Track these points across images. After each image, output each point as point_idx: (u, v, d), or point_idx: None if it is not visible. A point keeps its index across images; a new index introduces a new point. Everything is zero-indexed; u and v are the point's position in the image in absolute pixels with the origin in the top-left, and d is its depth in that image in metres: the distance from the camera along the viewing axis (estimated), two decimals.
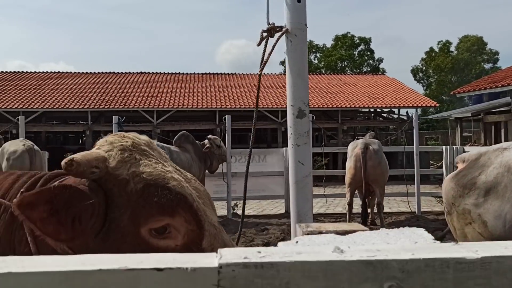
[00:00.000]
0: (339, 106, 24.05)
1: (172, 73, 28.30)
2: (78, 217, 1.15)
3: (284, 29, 2.45)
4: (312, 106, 23.44)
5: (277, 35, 2.53)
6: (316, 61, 56.23)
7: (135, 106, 22.42)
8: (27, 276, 0.62)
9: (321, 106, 24.08)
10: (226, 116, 10.50)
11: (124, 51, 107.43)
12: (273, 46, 2.56)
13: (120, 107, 22.30)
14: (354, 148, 8.46)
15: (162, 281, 0.63)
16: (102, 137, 1.41)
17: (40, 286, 0.62)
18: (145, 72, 28.29)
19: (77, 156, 1.17)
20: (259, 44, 2.48)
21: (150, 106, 22.64)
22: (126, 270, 0.63)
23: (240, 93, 25.11)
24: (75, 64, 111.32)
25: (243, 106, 23.54)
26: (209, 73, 28.99)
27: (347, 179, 8.43)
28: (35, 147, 9.04)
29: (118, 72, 28.11)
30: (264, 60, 2.56)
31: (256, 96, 3.20)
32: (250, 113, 23.06)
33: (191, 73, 28.64)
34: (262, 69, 2.64)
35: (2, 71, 27.28)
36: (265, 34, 2.60)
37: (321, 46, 56.43)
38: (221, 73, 29.32)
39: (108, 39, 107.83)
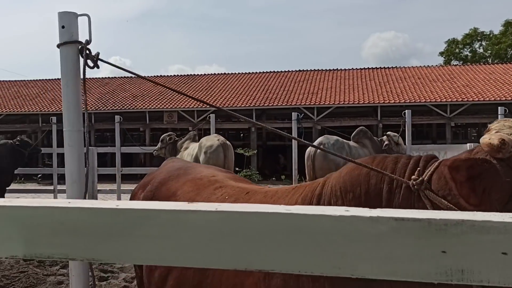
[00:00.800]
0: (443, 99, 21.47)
1: (329, 70, 28.40)
2: (488, 189, 1.31)
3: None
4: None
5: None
6: (481, 50, 50.94)
7: (297, 104, 23.01)
8: None
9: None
10: (406, 111, 10.09)
11: (272, 51, 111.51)
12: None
13: (283, 104, 23.12)
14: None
15: None
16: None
17: None
18: (303, 70, 28.89)
19: (505, 136, 1.33)
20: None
21: (311, 103, 23.05)
22: None
23: (404, 87, 24.02)
24: (226, 66, 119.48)
25: (407, 101, 22.45)
26: (367, 68, 28.38)
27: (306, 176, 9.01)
28: (227, 142, 9.84)
29: (278, 71, 29.23)
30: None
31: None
32: (419, 108, 21.98)
33: (348, 69, 28.37)
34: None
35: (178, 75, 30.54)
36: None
37: (488, 33, 50.82)
38: (378, 67, 28.45)
39: (257, 40, 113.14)
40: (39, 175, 19.47)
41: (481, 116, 21.58)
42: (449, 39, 51.64)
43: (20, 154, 11.71)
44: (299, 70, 28.96)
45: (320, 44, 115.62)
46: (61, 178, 15.37)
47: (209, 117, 11.31)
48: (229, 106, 23.83)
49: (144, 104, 24.87)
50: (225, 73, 30.13)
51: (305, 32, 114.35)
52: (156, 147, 10.92)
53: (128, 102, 25.52)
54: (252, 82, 27.38)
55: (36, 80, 31.95)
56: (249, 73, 29.58)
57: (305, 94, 24.18)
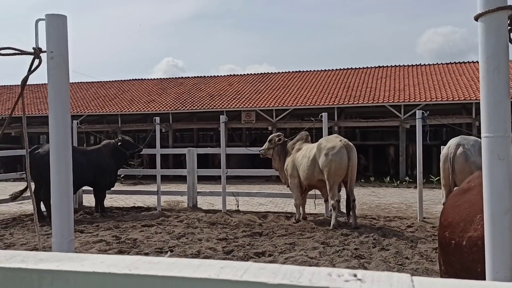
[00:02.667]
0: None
1: (413, 65, 26.88)
2: None
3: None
4: None
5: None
6: None
7: (384, 101, 21.79)
8: None
9: None
10: None
11: (322, 49, 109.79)
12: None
13: (369, 102, 22.00)
14: (446, 146, 8.25)
15: None
16: None
17: None
18: (387, 66, 27.53)
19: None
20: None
21: (396, 100, 21.76)
22: None
23: None
24: (276, 65, 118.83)
25: None
26: (461, 62, 26.64)
27: (441, 179, 8.40)
28: (350, 143, 9.02)
29: (357, 68, 28.07)
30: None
31: None
32: None
33: (433, 64, 26.72)
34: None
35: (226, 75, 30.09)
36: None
37: None
38: (468, 61, 26.58)
39: (306, 38, 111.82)
40: (122, 176, 19.15)
41: None
42: None
43: (122, 154, 11.51)
44: (380, 66, 27.64)
45: (373, 40, 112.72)
46: (164, 179, 15.01)
47: (321, 115, 10.51)
48: (311, 104, 23.03)
49: (221, 104, 24.57)
50: (299, 71, 29.31)
51: (356, 29, 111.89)
52: (263, 147, 10.33)
53: (205, 101, 25.34)
54: (330, 80, 26.41)
55: (113, 81, 32.67)
56: (327, 70, 28.65)
57: (392, 90, 22.89)
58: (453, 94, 21.58)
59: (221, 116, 11.42)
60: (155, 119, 11.79)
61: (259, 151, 10.51)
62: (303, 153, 9.50)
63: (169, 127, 25.13)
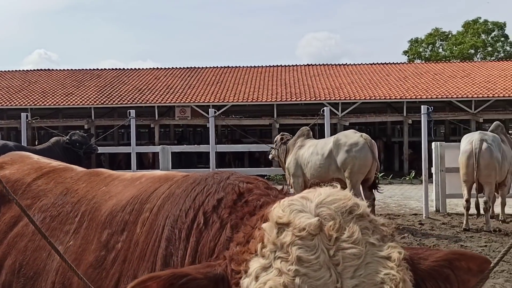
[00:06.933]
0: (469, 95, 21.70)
1: (343, 64, 27.66)
2: None
3: None
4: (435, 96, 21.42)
5: None
6: (441, 50, 52.00)
7: (324, 99, 21.97)
8: None
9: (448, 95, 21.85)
10: None
11: (206, 47, 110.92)
12: None
13: (311, 99, 22.01)
14: (468, 142, 8.27)
15: None
16: None
17: None
18: (316, 64, 27.88)
19: None
20: None
21: (333, 98, 22.12)
22: None
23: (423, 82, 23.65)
24: (162, 62, 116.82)
25: (429, 97, 22.10)
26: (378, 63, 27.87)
27: (461, 175, 8.31)
28: (371, 138, 8.56)
29: (285, 65, 28.03)
30: None
31: None
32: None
33: (358, 64, 27.75)
34: None
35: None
36: None
37: (447, 33, 51.88)
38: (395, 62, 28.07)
39: (192, 36, 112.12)
40: None
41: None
42: (412, 39, 52.63)
43: (74, 153, 9.89)
44: (297, 65, 27.97)
45: (256, 41, 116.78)
46: None
47: (323, 110, 9.93)
48: (248, 100, 22.38)
49: (151, 98, 22.80)
50: (231, 67, 28.40)
51: (240, 29, 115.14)
52: (272, 150, 9.71)
53: (133, 95, 23.30)
54: (259, 75, 25.98)
55: (15, 71, 28.61)
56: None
57: (328, 88, 23.22)
58: (384, 93, 22.53)
59: (210, 109, 10.27)
60: (129, 112, 10.23)
61: (269, 156, 9.94)
62: (312, 150, 8.82)
63: (91, 123, 22.65)
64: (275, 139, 9.68)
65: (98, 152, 11.14)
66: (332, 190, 1.14)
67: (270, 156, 9.77)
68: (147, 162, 22.75)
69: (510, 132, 10.05)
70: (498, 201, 8.89)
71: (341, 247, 1.01)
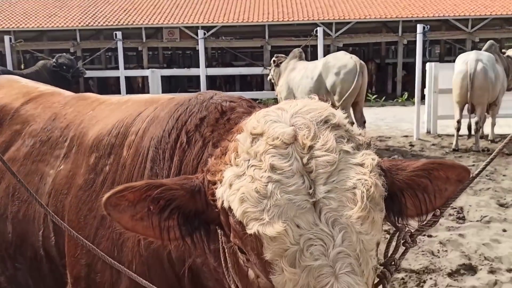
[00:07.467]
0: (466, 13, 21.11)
1: None
2: None
3: None
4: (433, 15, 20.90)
5: None
6: None
7: (317, 19, 21.29)
8: None
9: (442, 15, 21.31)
10: None
11: None
12: None
13: (304, 19, 21.33)
14: (463, 62, 8.13)
15: None
16: None
17: None
18: None
19: None
20: None
21: (327, 18, 21.44)
22: None
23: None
24: None
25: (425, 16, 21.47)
26: None
27: (454, 96, 8.30)
28: (361, 60, 8.41)
29: None
30: None
31: None
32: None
33: None
34: None
35: None
36: None
37: None
38: None
39: None
40: None
41: None
42: None
43: (62, 77, 9.71)
44: None
45: None
46: None
47: (316, 30, 9.64)
48: (238, 21, 21.64)
49: (138, 19, 21.95)
50: None
51: None
52: (270, 71, 9.61)
53: (119, 16, 22.40)
54: None
55: None
56: None
57: (322, 7, 22.41)
58: (380, 12, 21.86)
59: (199, 31, 9.93)
60: (115, 34, 9.87)
61: (268, 79, 9.90)
62: (302, 73, 8.69)
63: (77, 46, 21.96)
64: (272, 61, 9.52)
65: (86, 76, 10.92)
66: (308, 101, 1.14)
67: (268, 78, 9.69)
68: (137, 86, 22.45)
69: (503, 51, 9.85)
70: (488, 121, 8.98)
71: (314, 155, 1.02)
